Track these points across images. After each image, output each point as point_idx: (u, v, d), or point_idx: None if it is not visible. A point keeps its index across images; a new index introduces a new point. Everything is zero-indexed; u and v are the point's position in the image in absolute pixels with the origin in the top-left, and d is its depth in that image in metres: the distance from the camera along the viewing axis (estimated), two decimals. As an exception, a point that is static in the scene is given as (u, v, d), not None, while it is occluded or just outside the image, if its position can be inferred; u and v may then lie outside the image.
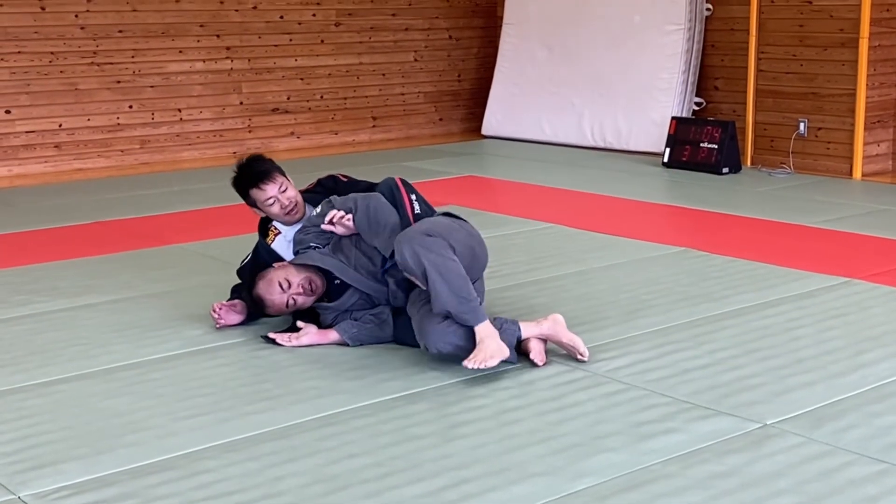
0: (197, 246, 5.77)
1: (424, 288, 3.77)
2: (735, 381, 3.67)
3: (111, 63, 8.48)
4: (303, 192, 4.43)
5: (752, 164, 8.29)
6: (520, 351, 3.84)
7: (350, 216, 4.12)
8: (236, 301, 4.36)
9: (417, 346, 3.95)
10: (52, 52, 8.22)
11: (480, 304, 3.83)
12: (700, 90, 8.75)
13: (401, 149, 9.42)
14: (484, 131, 10.01)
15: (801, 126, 8.02)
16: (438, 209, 4.31)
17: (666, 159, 8.22)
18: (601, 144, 9.09)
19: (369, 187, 4.36)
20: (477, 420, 3.37)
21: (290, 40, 9.33)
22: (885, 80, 7.75)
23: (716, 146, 7.93)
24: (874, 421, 3.31)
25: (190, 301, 4.67)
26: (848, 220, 6.26)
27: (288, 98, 9.39)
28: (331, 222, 4.16)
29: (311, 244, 4.19)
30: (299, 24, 9.36)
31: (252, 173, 4.31)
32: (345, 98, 9.71)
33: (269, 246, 4.38)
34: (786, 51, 8.08)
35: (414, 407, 3.48)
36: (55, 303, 4.73)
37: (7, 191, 7.64)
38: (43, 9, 8.14)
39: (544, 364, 3.82)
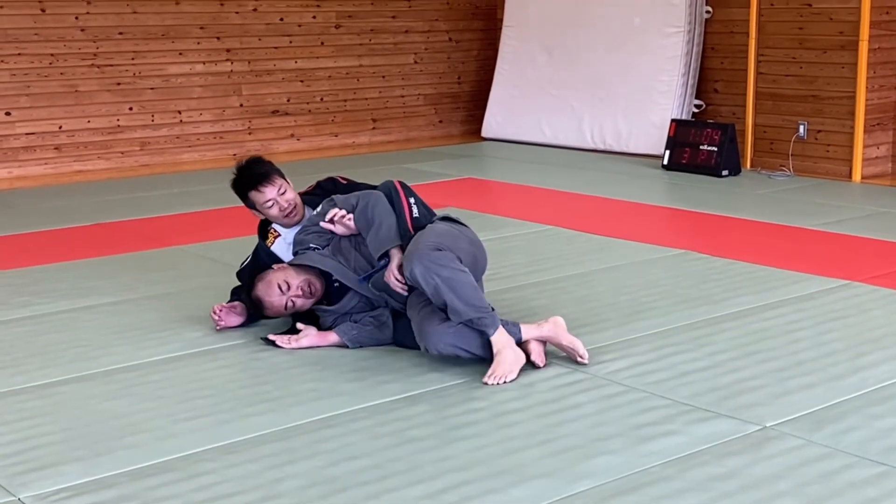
0: (197, 248, 5.77)
1: (434, 301, 3.76)
2: (735, 383, 3.67)
3: (111, 65, 8.48)
4: (302, 195, 4.43)
5: (751, 166, 8.29)
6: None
7: (351, 215, 4.12)
8: (236, 303, 4.36)
9: (417, 348, 3.95)
10: (52, 54, 8.22)
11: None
12: (700, 93, 8.76)
13: (400, 151, 9.42)
14: (484, 133, 10.02)
15: (801, 128, 8.02)
16: (438, 212, 4.32)
17: (666, 162, 8.23)
18: (601, 147, 9.10)
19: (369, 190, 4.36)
20: (476, 422, 3.37)
21: (290, 42, 9.33)
22: (885, 82, 7.76)
23: (715, 148, 7.94)
24: (874, 423, 3.31)
25: (190, 303, 4.67)
26: (847, 222, 6.27)
27: (288, 100, 9.40)
28: (331, 221, 4.16)
29: (311, 245, 4.18)
30: (299, 26, 9.36)
31: (251, 176, 4.32)
32: (345, 100, 9.72)
33: (269, 248, 4.38)
34: (785, 53, 8.08)
35: (413, 409, 3.48)
36: (55, 304, 4.73)
37: (7, 193, 7.64)
38: (43, 10, 8.15)
39: (544, 365, 3.82)
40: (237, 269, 4.52)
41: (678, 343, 4.09)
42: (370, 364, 3.91)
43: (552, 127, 9.46)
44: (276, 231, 4.41)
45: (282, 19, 9.25)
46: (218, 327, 4.29)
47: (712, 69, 8.67)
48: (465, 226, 4.21)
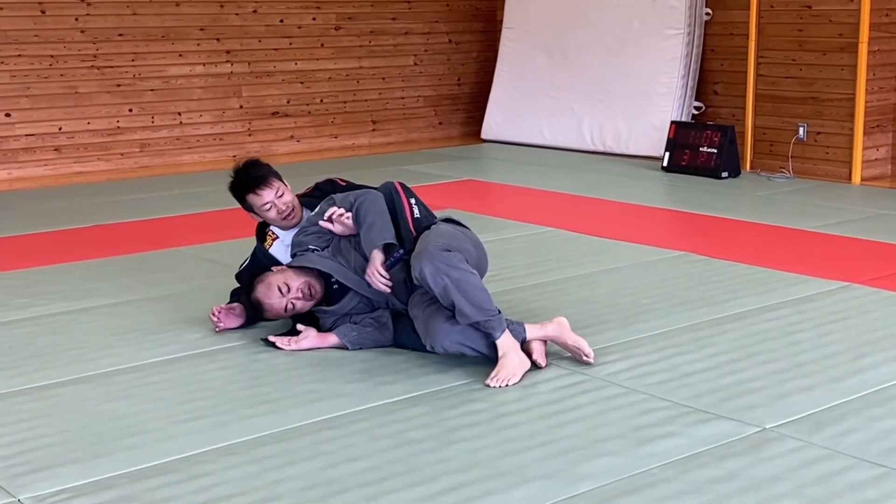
0: (196, 249, 5.77)
1: (441, 301, 3.76)
2: (734, 384, 3.67)
3: (111, 66, 8.48)
4: (300, 197, 4.43)
5: (751, 168, 8.29)
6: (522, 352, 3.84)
7: (349, 213, 4.11)
8: (235, 304, 4.36)
9: (417, 349, 3.95)
10: (52, 56, 8.22)
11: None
12: (699, 94, 8.76)
13: (400, 152, 9.42)
14: (483, 135, 10.02)
15: (801, 130, 8.02)
16: (438, 213, 4.32)
17: (665, 163, 8.23)
18: (601, 148, 9.10)
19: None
20: (476, 424, 3.37)
21: (290, 44, 9.33)
22: (885, 84, 7.76)
23: (715, 150, 7.94)
24: (873, 425, 3.31)
25: (189, 304, 4.67)
26: (847, 224, 6.27)
27: (288, 102, 9.40)
28: (330, 220, 4.16)
29: (310, 246, 4.18)
30: (299, 27, 9.36)
31: (248, 179, 4.31)
32: (345, 102, 9.72)
33: (267, 251, 4.37)
34: (785, 55, 8.08)
35: (413, 410, 3.48)
36: (55, 306, 4.73)
37: (7, 194, 7.64)
38: (43, 12, 8.15)
39: (546, 365, 3.82)
40: (236, 271, 4.52)
41: (678, 345, 4.09)
42: (370, 365, 3.91)
43: (552, 129, 9.46)
44: (274, 233, 4.40)
45: (282, 21, 9.26)
46: (217, 329, 4.28)
47: (712, 71, 8.68)
48: (467, 228, 4.21)
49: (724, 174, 7.89)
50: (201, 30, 8.86)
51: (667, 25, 8.69)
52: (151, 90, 8.69)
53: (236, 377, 3.86)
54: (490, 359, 3.78)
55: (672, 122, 8.34)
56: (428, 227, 4.05)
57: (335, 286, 4.10)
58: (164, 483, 2.97)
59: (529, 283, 4.99)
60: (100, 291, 4.95)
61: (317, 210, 4.26)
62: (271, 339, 4.11)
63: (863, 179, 7.73)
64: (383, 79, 9.91)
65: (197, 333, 4.29)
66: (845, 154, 7.79)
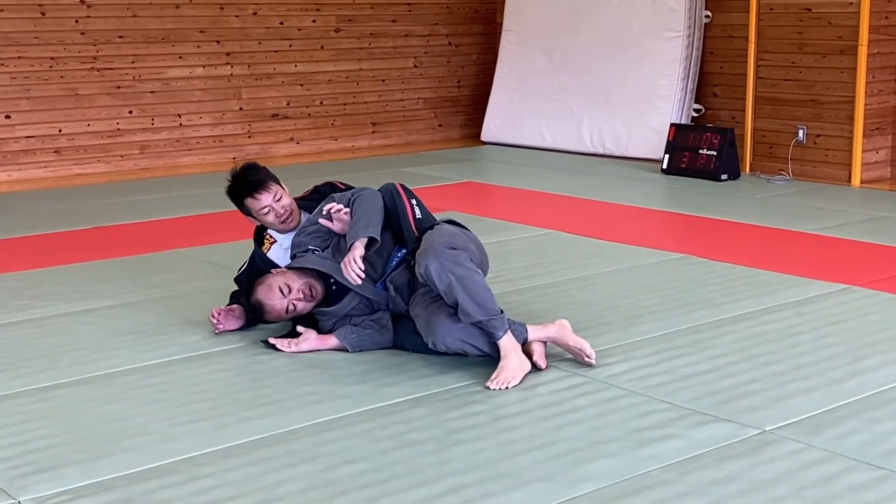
0: (196, 251, 5.77)
1: (444, 299, 3.76)
2: (734, 387, 3.67)
3: (111, 68, 8.49)
4: (298, 200, 4.43)
5: (750, 170, 8.29)
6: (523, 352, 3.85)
7: (348, 209, 4.11)
8: (235, 306, 4.36)
9: (418, 351, 3.95)
10: (52, 58, 8.22)
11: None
12: (699, 97, 8.76)
13: (400, 155, 9.42)
14: (483, 137, 10.02)
15: (800, 133, 8.03)
16: (438, 215, 4.32)
17: (665, 166, 8.23)
18: (600, 151, 9.10)
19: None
20: (476, 426, 3.37)
21: (290, 46, 9.34)
22: (884, 87, 7.76)
23: (715, 153, 7.94)
24: (873, 427, 3.31)
25: (189, 306, 4.67)
26: (847, 227, 6.27)
27: (287, 104, 9.40)
28: (329, 218, 4.15)
29: (310, 247, 4.18)
30: (299, 29, 9.37)
31: (246, 183, 4.31)
32: (344, 104, 9.72)
33: (265, 255, 4.37)
34: (785, 58, 8.09)
35: (413, 412, 3.48)
36: (55, 308, 4.73)
37: (7, 196, 7.64)
38: (43, 14, 8.15)
39: (546, 367, 3.82)
40: (235, 274, 4.51)
41: (678, 347, 4.09)
42: (370, 367, 3.91)
43: (552, 131, 9.46)
44: (272, 237, 4.40)
45: (282, 23, 9.26)
46: (217, 331, 4.28)
47: (712, 73, 8.68)
48: (468, 229, 4.21)
49: (724, 176, 7.89)
50: (201, 32, 8.86)
51: (666, 28, 8.69)
52: (151, 92, 8.69)
53: (236, 379, 3.86)
54: (490, 360, 3.79)
55: (672, 125, 8.35)
56: (430, 228, 4.05)
57: (333, 287, 4.10)
58: (164, 484, 2.98)
59: (529, 285, 5.00)
60: (100, 293, 4.95)
61: (317, 210, 4.26)
62: (271, 341, 4.11)
63: (862, 182, 7.73)
64: (383, 81, 9.92)
65: (197, 335, 4.29)
66: (845, 156, 7.80)
